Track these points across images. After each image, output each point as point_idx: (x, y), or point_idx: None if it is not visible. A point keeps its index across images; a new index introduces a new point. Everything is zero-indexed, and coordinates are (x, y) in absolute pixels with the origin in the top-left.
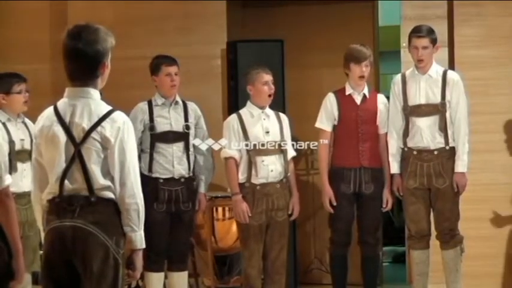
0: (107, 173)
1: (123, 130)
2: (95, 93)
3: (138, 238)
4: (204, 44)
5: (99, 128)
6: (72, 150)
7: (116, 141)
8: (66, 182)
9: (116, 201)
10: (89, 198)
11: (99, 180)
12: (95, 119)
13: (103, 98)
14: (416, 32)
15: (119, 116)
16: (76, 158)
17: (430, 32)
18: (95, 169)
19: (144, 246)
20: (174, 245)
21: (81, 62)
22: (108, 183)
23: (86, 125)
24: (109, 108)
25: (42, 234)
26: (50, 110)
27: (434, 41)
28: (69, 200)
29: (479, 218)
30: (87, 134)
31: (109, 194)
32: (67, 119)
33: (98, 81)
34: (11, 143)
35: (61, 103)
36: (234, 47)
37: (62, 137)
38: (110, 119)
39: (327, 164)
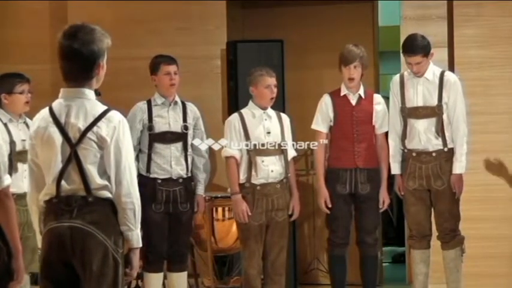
0: (103, 172)
1: (118, 129)
2: (89, 94)
3: (135, 237)
4: (204, 44)
5: (95, 128)
6: (69, 151)
7: (111, 140)
8: (63, 182)
9: (113, 201)
10: (86, 198)
11: (96, 180)
12: (91, 119)
13: (101, 99)
14: (407, 51)
15: (114, 115)
16: (72, 159)
17: (421, 46)
18: (92, 169)
19: (140, 245)
20: (173, 245)
21: (77, 62)
22: (105, 182)
23: (82, 125)
24: (104, 108)
25: (38, 236)
26: (45, 111)
27: (427, 52)
28: (66, 201)
29: (479, 218)
30: (83, 134)
31: (106, 194)
32: (62, 120)
33: (93, 82)
34: (12, 143)
35: (56, 104)
36: (234, 47)
37: (58, 137)
38: (106, 119)
39: (323, 165)
